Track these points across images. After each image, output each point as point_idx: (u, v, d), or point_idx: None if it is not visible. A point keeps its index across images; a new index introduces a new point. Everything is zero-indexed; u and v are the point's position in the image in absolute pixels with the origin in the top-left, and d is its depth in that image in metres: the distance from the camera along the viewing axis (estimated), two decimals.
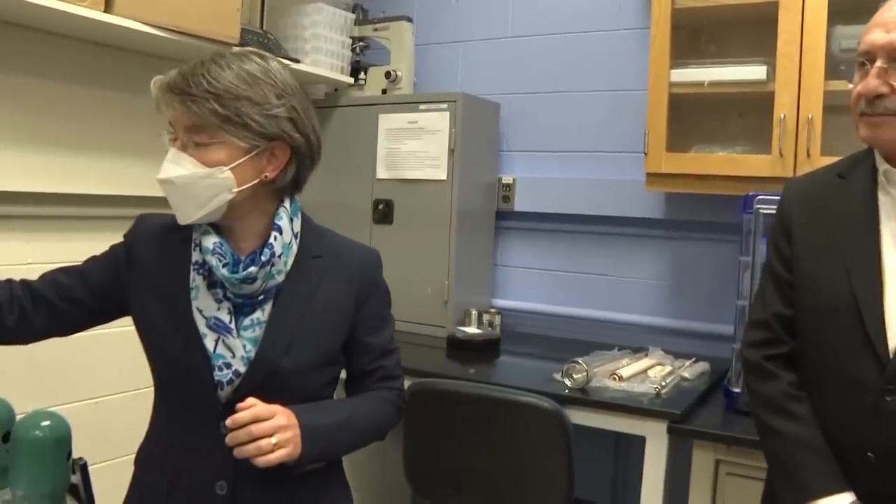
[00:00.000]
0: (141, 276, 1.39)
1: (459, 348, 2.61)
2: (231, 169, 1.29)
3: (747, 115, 2.47)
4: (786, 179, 1.70)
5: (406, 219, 2.83)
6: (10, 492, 0.94)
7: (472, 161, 2.82)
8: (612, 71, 2.83)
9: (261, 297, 1.34)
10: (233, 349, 1.31)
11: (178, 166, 1.28)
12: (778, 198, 1.57)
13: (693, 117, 2.53)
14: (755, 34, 2.37)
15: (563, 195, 2.89)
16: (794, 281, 1.47)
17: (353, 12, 3.09)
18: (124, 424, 2.28)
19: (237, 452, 1.23)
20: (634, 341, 2.62)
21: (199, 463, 1.33)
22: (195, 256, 1.35)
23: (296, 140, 1.34)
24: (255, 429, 1.23)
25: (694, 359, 2.40)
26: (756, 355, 1.50)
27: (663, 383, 2.12)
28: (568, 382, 2.12)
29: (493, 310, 2.87)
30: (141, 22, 2.12)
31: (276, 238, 1.34)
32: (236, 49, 1.39)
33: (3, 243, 2.12)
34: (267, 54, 1.38)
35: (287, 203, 1.39)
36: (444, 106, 2.74)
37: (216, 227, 1.35)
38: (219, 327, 1.31)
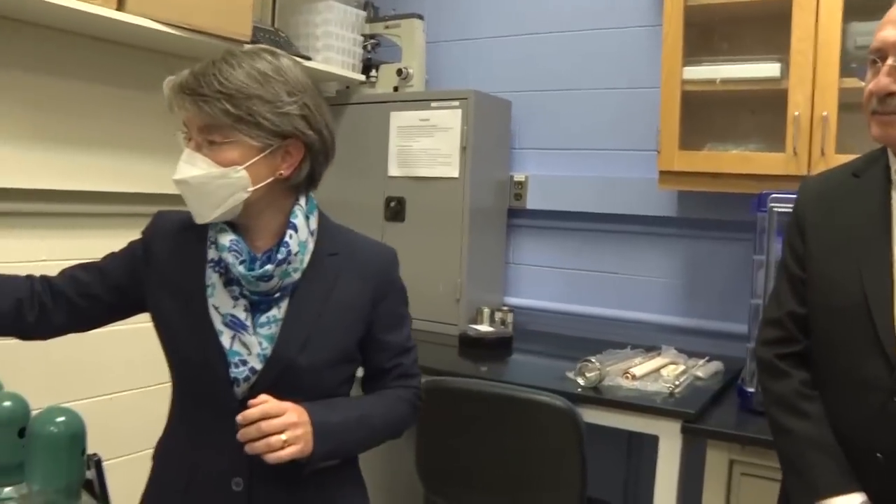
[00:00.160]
0: (158, 273, 1.39)
1: (471, 346, 2.61)
2: (245, 168, 1.29)
3: (760, 112, 2.45)
4: (800, 178, 1.69)
5: (418, 216, 2.82)
6: (27, 486, 0.94)
7: (484, 159, 2.81)
8: (625, 68, 2.82)
9: (277, 295, 1.34)
10: (249, 346, 1.31)
11: (193, 166, 1.28)
12: (792, 196, 1.56)
13: (706, 115, 2.51)
14: (769, 31, 2.36)
15: (575, 193, 2.88)
16: (807, 279, 1.46)
17: (364, 10, 3.09)
18: (138, 421, 2.29)
19: (248, 449, 1.24)
20: (647, 340, 2.61)
21: (216, 459, 1.33)
22: (211, 254, 1.35)
23: (309, 137, 1.34)
24: (266, 425, 1.23)
25: (707, 358, 2.39)
26: (769, 353, 1.50)
27: (676, 382, 2.12)
28: (581, 381, 2.11)
29: (505, 308, 2.87)
30: (153, 20, 2.12)
31: (291, 236, 1.34)
32: (248, 47, 1.38)
33: (18, 240, 2.13)
34: (278, 51, 1.37)
35: (303, 201, 1.39)
36: (456, 103, 2.74)
37: (232, 225, 1.35)
38: (235, 324, 1.31)
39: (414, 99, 2.88)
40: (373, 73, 3.07)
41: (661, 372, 2.24)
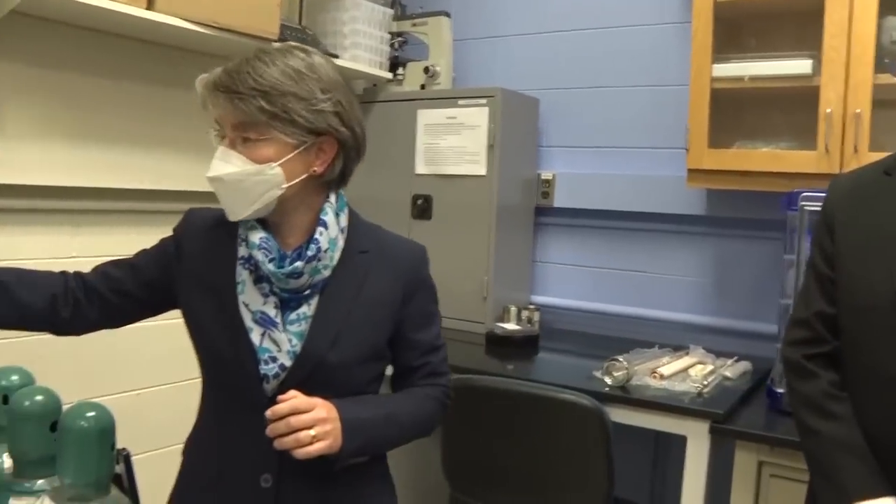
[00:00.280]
0: (189, 270, 1.40)
1: (498, 345, 2.60)
2: (280, 165, 1.29)
3: (791, 110, 2.43)
4: (831, 176, 1.67)
5: (445, 214, 2.82)
6: (58, 479, 0.95)
7: (511, 156, 2.80)
8: (653, 65, 2.80)
9: (307, 292, 1.35)
10: (279, 343, 1.32)
11: (228, 164, 1.29)
12: (823, 194, 1.54)
13: (735, 112, 2.49)
14: (800, 27, 2.33)
15: (602, 191, 2.87)
16: (836, 279, 1.44)
17: (391, 7, 3.09)
18: (167, 416, 2.32)
19: (277, 444, 1.24)
20: (675, 339, 2.59)
21: (245, 455, 1.33)
22: (241, 251, 1.36)
23: (342, 134, 1.34)
24: (295, 420, 1.23)
25: (736, 358, 2.36)
26: (796, 354, 1.48)
27: (705, 382, 2.10)
28: (608, 380, 2.10)
29: (532, 306, 2.86)
30: (182, 18, 2.14)
31: (321, 233, 1.34)
32: (279, 44, 1.39)
33: (50, 237, 2.16)
34: (310, 49, 1.38)
35: (333, 198, 1.39)
36: (483, 101, 2.73)
37: (263, 223, 1.36)
38: (265, 321, 1.32)
39: (441, 97, 2.88)
40: (400, 70, 3.07)
41: (689, 371, 2.22)
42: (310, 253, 1.32)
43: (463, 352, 2.47)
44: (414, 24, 3.09)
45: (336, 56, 2.75)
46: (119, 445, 1.05)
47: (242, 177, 1.29)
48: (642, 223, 2.82)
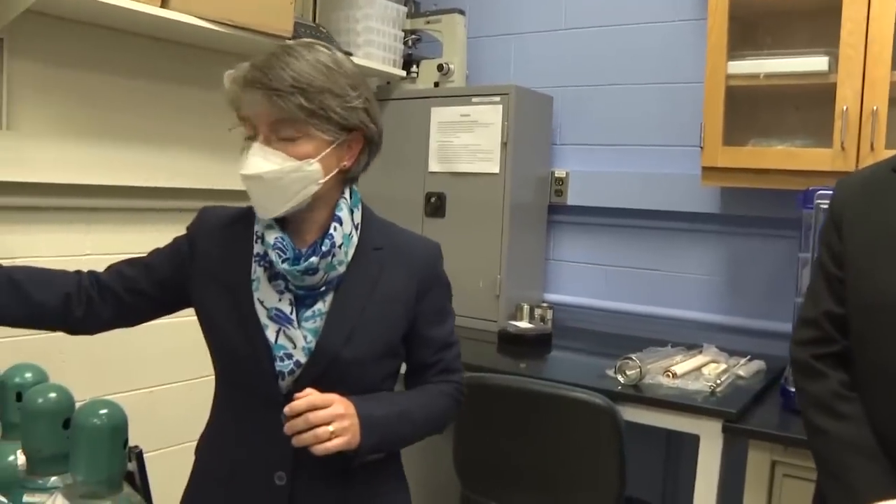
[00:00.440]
0: (204, 268, 1.40)
1: (511, 343, 2.60)
2: (319, 161, 1.30)
3: (807, 107, 2.41)
4: (848, 174, 1.66)
5: (458, 212, 2.82)
6: (71, 476, 0.96)
7: (524, 154, 2.80)
8: (667, 63, 2.79)
9: (323, 289, 1.35)
10: (294, 340, 1.32)
11: (266, 161, 1.28)
12: None
13: (750, 110, 2.47)
14: (816, 24, 2.31)
15: (616, 189, 2.86)
16: (845, 278, 1.43)
17: (405, 5, 3.09)
18: (178, 413, 2.33)
19: (295, 441, 1.23)
20: (688, 338, 2.58)
21: (259, 453, 1.34)
22: (257, 248, 1.36)
23: (370, 130, 1.36)
24: (313, 416, 1.23)
25: (749, 357, 2.35)
26: (805, 354, 1.47)
27: (718, 381, 2.09)
28: (621, 379, 2.10)
29: (545, 304, 2.85)
30: (196, 16, 2.15)
31: (335, 229, 1.34)
32: (296, 40, 1.39)
33: (63, 234, 2.17)
34: (328, 45, 1.38)
35: (347, 194, 1.40)
36: (497, 99, 2.73)
37: (280, 221, 1.36)
38: (280, 318, 1.32)
39: (455, 94, 2.87)
40: (413, 68, 3.07)
41: (702, 370, 2.21)
42: (324, 248, 1.32)
43: (475, 350, 2.47)
44: (428, 22, 3.09)
45: (350, 54, 2.75)
46: (131, 443, 1.05)
47: (282, 174, 1.29)
48: (656, 221, 2.81)
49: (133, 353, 2.29)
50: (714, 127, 2.35)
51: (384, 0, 2.92)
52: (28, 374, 1.16)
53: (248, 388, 1.36)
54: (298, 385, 1.30)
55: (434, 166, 2.87)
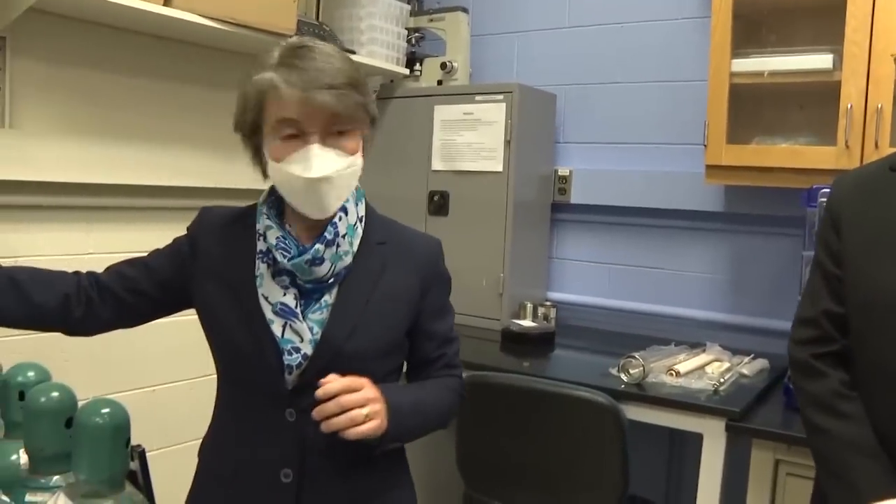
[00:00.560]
0: (206, 267, 1.40)
1: (514, 341, 2.60)
2: (360, 155, 1.34)
3: (811, 105, 2.40)
4: (846, 171, 1.66)
5: (461, 210, 2.82)
6: (73, 475, 0.96)
7: (528, 153, 2.79)
8: (671, 61, 2.78)
9: (331, 281, 1.35)
10: (300, 333, 1.32)
11: (330, 161, 1.28)
12: None
13: (754, 108, 2.47)
14: (820, 21, 2.31)
15: (619, 187, 2.85)
16: (844, 277, 1.43)
17: (408, 3, 3.09)
18: (181, 412, 2.33)
19: (326, 426, 1.21)
20: (691, 336, 2.58)
21: (265, 450, 1.33)
22: (260, 245, 1.36)
23: (376, 125, 1.39)
24: (346, 399, 1.21)
25: (753, 355, 2.35)
26: (804, 353, 1.47)
27: (721, 380, 2.09)
28: (624, 377, 2.10)
29: (548, 303, 2.85)
30: (199, 15, 2.15)
31: (340, 218, 1.35)
32: (300, 38, 1.38)
33: (65, 233, 2.17)
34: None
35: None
36: (500, 97, 2.72)
37: (280, 219, 1.36)
38: (285, 313, 1.32)
39: (458, 93, 2.87)
40: (417, 66, 3.07)
41: (705, 369, 2.21)
42: (328, 236, 1.32)
43: (478, 348, 2.47)
44: (431, 20, 3.09)
45: (353, 52, 2.75)
46: (134, 442, 1.05)
47: (343, 171, 1.30)
48: (659, 219, 2.81)
49: (135, 352, 2.29)
50: (718, 125, 2.35)
51: None
52: (30, 374, 1.15)
53: (252, 386, 1.35)
54: (304, 379, 1.30)
55: (437, 164, 2.87)
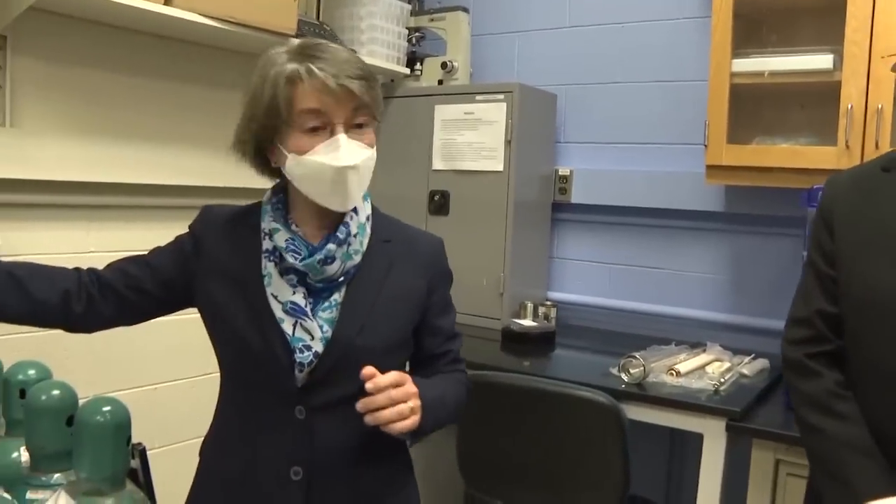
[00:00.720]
0: (211, 265, 1.40)
1: (514, 341, 2.60)
2: (375, 148, 1.35)
3: (811, 105, 2.41)
4: (839, 171, 1.66)
5: (462, 210, 2.82)
6: (75, 473, 0.96)
7: (528, 152, 2.80)
8: (672, 61, 2.78)
9: (341, 279, 1.35)
10: (311, 331, 1.31)
11: (356, 151, 1.30)
12: None
13: (755, 108, 2.47)
14: (821, 21, 2.31)
15: (620, 187, 2.85)
16: (838, 276, 1.44)
17: (408, 3, 3.09)
18: (182, 410, 2.33)
19: (372, 418, 1.22)
20: (692, 336, 2.58)
21: (274, 448, 1.33)
22: (266, 244, 1.36)
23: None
24: (396, 392, 1.23)
25: (753, 355, 2.35)
26: (798, 353, 1.48)
27: (722, 380, 2.09)
28: (624, 377, 2.10)
29: (548, 302, 2.85)
30: (199, 14, 2.15)
31: (351, 218, 1.36)
32: (302, 39, 1.39)
33: (65, 232, 2.17)
34: None
35: None
36: (501, 97, 2.73)
37: (285, 219, 1.36)
38: (295, 311, 1.32)
39: (458, 92, 2.87)
40: (417, 66, 3.07)
41: (706, 369, 2.21)
42: (340, 235, 1.33)
43: (479, 348, 2.47)
44: (431, 20, 3.09)
45: (353, 52, 2.74)
46: (135, 440, 1.05)
47: (367, 162, 1.32)
48: (660, 219, 2.81)
49: (136, 350, 2.30)
50: (718, 125, 2.35)
51: None
52: (31, 372, 1.16)
53: (261, 384, 1.35)
54: (314, 377, 1.31)
55: (438, 164, 2.87)
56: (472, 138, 2.78)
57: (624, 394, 2.03)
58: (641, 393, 2.05)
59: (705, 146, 2.38)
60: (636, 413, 2.03)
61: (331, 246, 1.32)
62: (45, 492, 0.99)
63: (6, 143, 2.00)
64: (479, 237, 2.77)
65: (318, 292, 1.35)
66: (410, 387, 1.27)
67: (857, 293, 1.39)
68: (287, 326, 1.32)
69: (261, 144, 1.35)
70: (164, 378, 2.43)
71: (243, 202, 1.46)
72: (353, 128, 1.30)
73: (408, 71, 3.03)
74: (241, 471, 1.35)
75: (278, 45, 1.34)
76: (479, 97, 2.78)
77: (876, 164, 1.48)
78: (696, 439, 2.01)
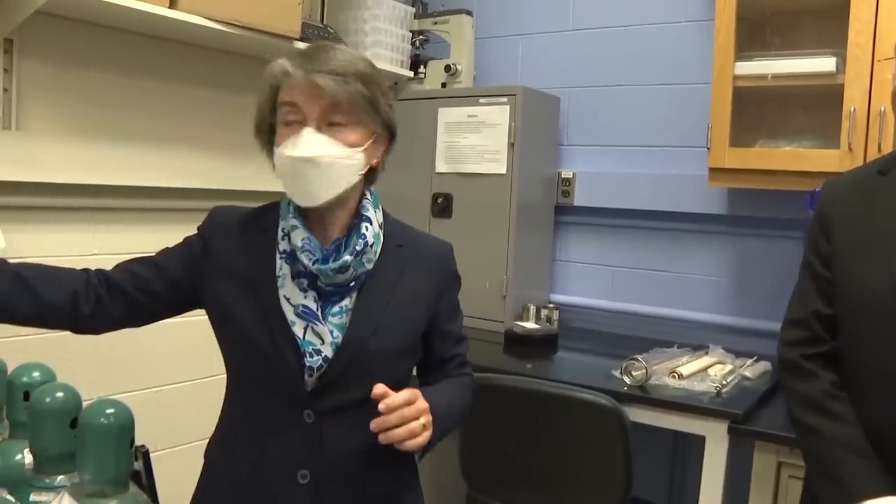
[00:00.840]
0: (220, 267, 1.39)
1: (517, 343, 2.60)
2: (363, 151, 1.33)
3: (814, 108, 2.41)
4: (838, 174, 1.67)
5: (465, 213, 2.82)
6: (78, 475, 0.96)
7: (531, 155, 2.80)
8: (675, 64, 2.79)
9: (352, 284, 1.36)
10: (321, 335, 1.32)
11: (320, 145, 1.29)
12: None
13: (758, 111, 2.47)
14: (824, 24, 2.31)
15: (623, 190, 2.86)
16: (834, 278, 1.44)
17: (412, 6, 3.10)
18: (185, 413, 2.34)
19: (385, 437, 1.23)
20: (694, 339, 2.59)
21: (282, 451, 1.33)
22: (283, 245, 1.36)
23: (394, 130, 1.40)
24: (408, 411, 1.24)
25: (755, 357, 2.35)
26: (794, 354, 1.49)
27: (724, 382, 2.09)
28: (627, 380, 2.10)
29: (551, 305, 2.86)
30: (204, 17, 2.15)
31: (367, 228, 1.36)
32: (322, 42, 1.41)
33: (69, 234, 2.18)
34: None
35: (369, 194, 1.42)
36: (504, 100, 2.73)
37: (303, 217, 1.36)
38: (307, 315, 1.32)
39: (462, 95, 2.88)
40: (421, 69, 3.07)
41: (708, 371, 2.21)
42: (358, 248, 1.33)
43: (482, 350, 2.47)
44: (435, 23, 3.09)
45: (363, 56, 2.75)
46: (138, 442, 1.06)
47: (334, 159, 1.30)
48: (663, 222, 2.81)
49: (140, 352, 2.30)
50: (721, 128, 2.35)
51: (392, 1, 2.92)
52: (35, 374, 1.16)
53: (271, 386, 1.35)
54: (323, 381, 1.31)
55: (441, 167, 2.87)
56: (475, 141, 2.79)
57: (626, 396, 2.03)
58: (644, 395, 2.05)
59: (708, 149, 2.38)
60: (638, 415, 2.03)
61: (347, 258, 1.32)
62: (49, 494, 0.99)
63: (12, 145, 2.01)
64: (482, 240, 2.77)
65: (327, 296, 1.35)
66: (422, 403, 1.27)
67: (854, 295, 1.40)
68: (298, 329, 1.32)
69: (269, 138, 1.38)
70: (167, 380, 2.43)
71: (249, 204, 1.47)
72: (331, 125, 1.30)
73: (411, 74, 3.04)
74: (249, 472, 1.35)
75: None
76: (482, 100, 2.78)
77: (872, 167, 1.49)
78: (699, 441, 2.01)
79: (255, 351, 1.34)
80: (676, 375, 2.13)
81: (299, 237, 1.33)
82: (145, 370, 2.36)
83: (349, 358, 1.32)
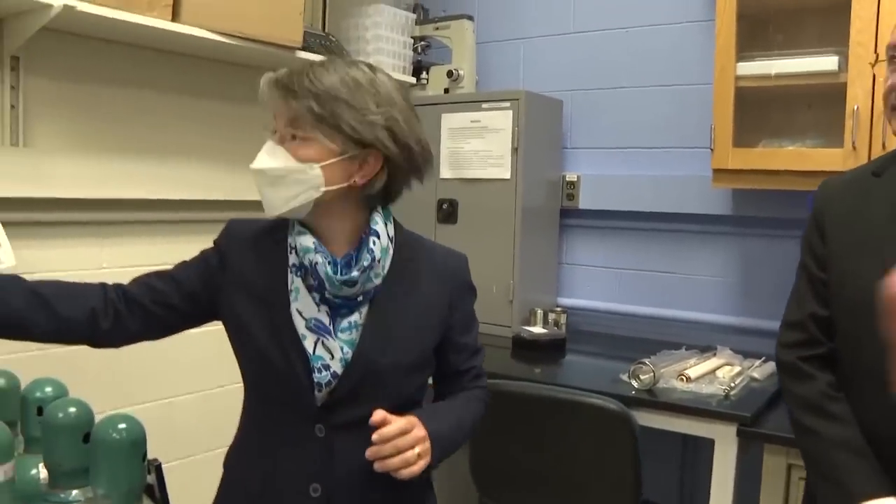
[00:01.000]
0: (236, 280, 1.40)
1: (525, 348, 2.60)
2: (321, 167, 1.31)
3: (817, 107, 2.41)
4: (836, 174, 1.67)
5: (470, 218, 2.83)
6: (92, 490, 0.97)
7: (535, 159, 2.80)
8: (676, 65, 2.79)
9: (360, 299, 1.35)
10: (331, 350, 1.32)
11: (272, 158, 1.31)
12: None
13: (760, 111, 2.47)
14: (826, 23, 2.31)
15: (628, 192, 2.86)
16: (830, 279, 1.45)
17: (413, 12, 3.11)
18: (196, 424, 2.34)
19: (380, 466, 1.24)
20: (702, 340, 2.58)
21: (293, 466, 1.34)
22: (292, 259, 1.36)
23: (390, 150, 1.34)
24: (402, 442, 1.24)
25: (763, 358, 2.34)
26: (791, 356, 1.49)
27: (732, 384, 2.09)
28: (635, 383, 2.10)
29: (558, 309, 2.86)
30: (207, 29, 2.17)
31: (374, 243, 1.35)
32: (347, 59, 1.41)
33: (78, 249, 2.18)
34: (377, 67, 1.40)
35: (379, 210, 1.41)
36: (507, 104, 2.74)
37: (308, 228, 1.37)
38: (319, 329, 1.32)
39: (465, 100, 2.88)
40: (423, 75, 3.08)
41: (716, 373, 2.21)
42: (365, 263, 1.33)
43: (489, 356, 2.42)
44: (437, 28, 3.10)
45: (352, 69, 2.75)
46: (150, 454, 1.07)
47: (283, 172, 1.30)
48: (668, 224, 2.81)
49: (151, 364, 2.30)
50: (724, 129, 2.35)
51: (393, 7, 2.93)
52: (48, 389, 1.17)
53: (282, 400, 1.35)
54: (334, 397, 1.31)
55: (445, 173, 2.88)
56: (478, 146, 2.80)
57: (634, 400, 2.03)
58: (652, 399, 2.05)
59: (711, 150, 2.38)
60: (647, 419, 2.03)
61: (354, 273, 1.32)
62: None
63: (20, 162, 2.02)
64: (487, 245, 2.77)
65: (337, 309, 1.35)
66: (418, 431, 1.27)
67: (850, 295, 1.41)
68: (308, 344, 1.32)
69: None
70: (178, 392, 2.43)
71: (259, 216, 1.47)
72: (291, 139, 1.32)
73: (414, 80, 3.05)
74: (261, 483, 1.36)
75: None
76: (485, 105, 2.79)
77: (868, 169, 1.50)
78: (708, 444, 2.01)
79: (268, 365, 1.35)
80: (684, 378, 2.13)
81: (309, 240, 1.34)
82: (157, 382, 2.36)
83: (358, 374, 1.32)
